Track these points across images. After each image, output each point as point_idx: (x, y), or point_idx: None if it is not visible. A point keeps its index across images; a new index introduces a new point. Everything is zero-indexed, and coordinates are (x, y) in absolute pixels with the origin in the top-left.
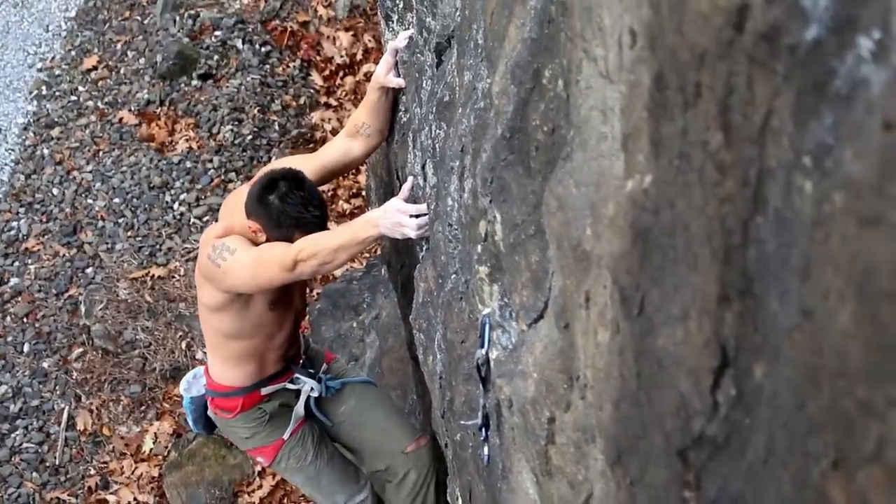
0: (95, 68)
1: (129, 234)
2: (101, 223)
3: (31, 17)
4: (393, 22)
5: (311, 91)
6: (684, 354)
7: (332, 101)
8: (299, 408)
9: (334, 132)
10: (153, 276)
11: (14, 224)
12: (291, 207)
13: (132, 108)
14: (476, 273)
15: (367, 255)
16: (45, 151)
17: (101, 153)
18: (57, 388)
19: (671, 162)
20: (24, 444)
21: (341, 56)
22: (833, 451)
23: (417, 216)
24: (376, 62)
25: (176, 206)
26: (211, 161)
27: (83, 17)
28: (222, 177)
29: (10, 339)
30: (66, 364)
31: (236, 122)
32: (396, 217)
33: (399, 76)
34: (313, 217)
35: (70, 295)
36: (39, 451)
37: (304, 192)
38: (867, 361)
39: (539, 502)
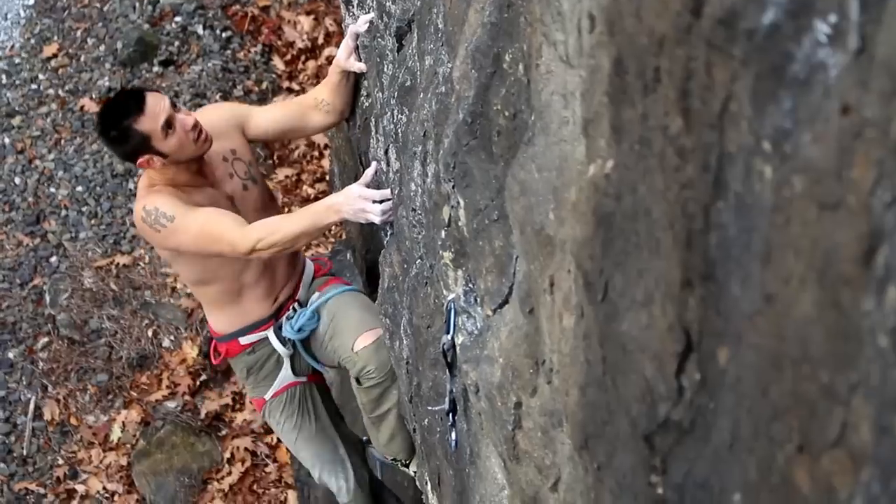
0: (55, 56)
1: (92, 222)
2: (64, 212)
3: None
4: (353, 6)
5: (273, 76)
6: (649, 339)
7: (295, 86)
8: (285, 371)
9: None
10: (118, 264)
11: None
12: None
13: (93, 96)
14: (441, 258)
15: (333, 239)
16: (7, 141)
17: (62, 141)
18: (23, 378)
19: (632, 147)
20: None
21: (303, 40)
22: (797, 436)
23: (381, 201)
24: (338, 45)
25: None
26: None
27: (42, 5)
28: None
29: None
30: (31, 354)
31: (199, 108)
32: (359, 203)
33: (360, 60)
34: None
35: (34, 285)
36: (6, 441)
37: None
38: (829, 347)
39: (507, 487)
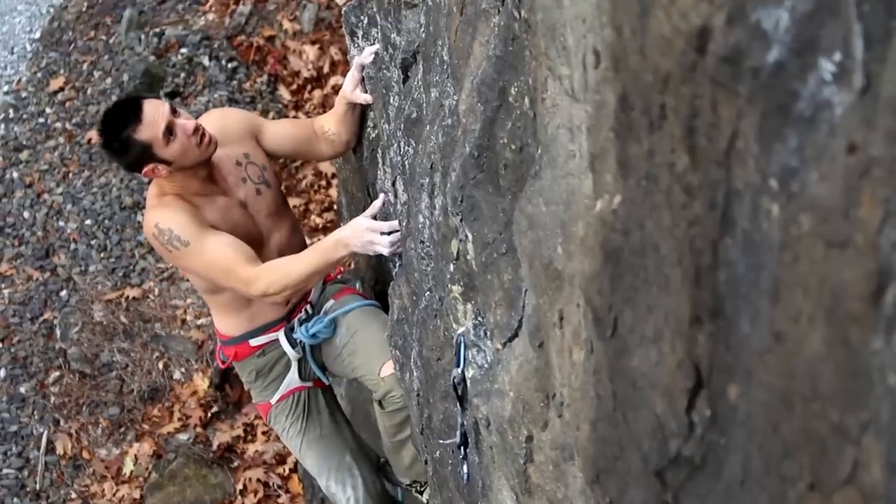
0: (62, 89)
1: (102, 255)
2: (73, 245)
3: None
4: (358, 38)
5: (280, 105)
6: (659, 375)
7: (301, 115)
8: (292, 375)
9: None
10: (128, 297)
11: None
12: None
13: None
14: (450, 292)
15: (342, 268)
16: (15, 175)
17: (71, 175)
18: (35, 412)
19: (639, 183)
20: (4, 470)
21: (308, 70)
22: (808, 474)
23: (389, 233)
24: (343, 74)
25: None
26: None
27: (48, 39)
28: None
29: None
30: (43, 388)
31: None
32: (367, 236)
33: (366, 91)
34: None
35: (45, 319)
36: (20, 476)
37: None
38: (839, 385)
39: None
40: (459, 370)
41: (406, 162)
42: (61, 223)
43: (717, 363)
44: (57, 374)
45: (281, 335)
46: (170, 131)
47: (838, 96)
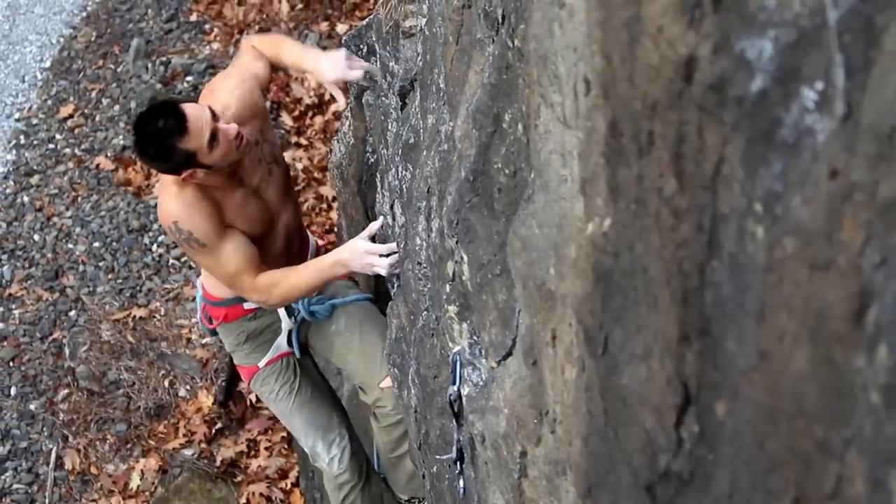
0: (72, 116)
1: (109, 276)
2: (82, 267)
3: (7, 69)
4: None
5: (282, 131)
6: (648, 392)
7: (303, 141)
8: (281, 340)
9: (306, 170)
10: (135, 316)
11: None
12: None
13: (108, 154)
14: (446, 312)
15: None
16: (26, 199)
17: (79, 199)
18: (44, 429)
19: (628, 206)
20: (14, 486)
21: (310, 97)
22: (794, 489)
23: (388, 255)
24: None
25: (154, 247)
26: None
27: (58, 67)
28: None
29: None
30: (52, 406)
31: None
32: (366, 258)
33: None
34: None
35: (54, 338)
36: (29, 491)
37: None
38: (823, 402)
39: None
40: (455, 387)
41: (404, 186)
42: (70, 245)
43: (705, 381)
44: (66, 391)
45: None
46: (214, 138)
47: (821, 123)
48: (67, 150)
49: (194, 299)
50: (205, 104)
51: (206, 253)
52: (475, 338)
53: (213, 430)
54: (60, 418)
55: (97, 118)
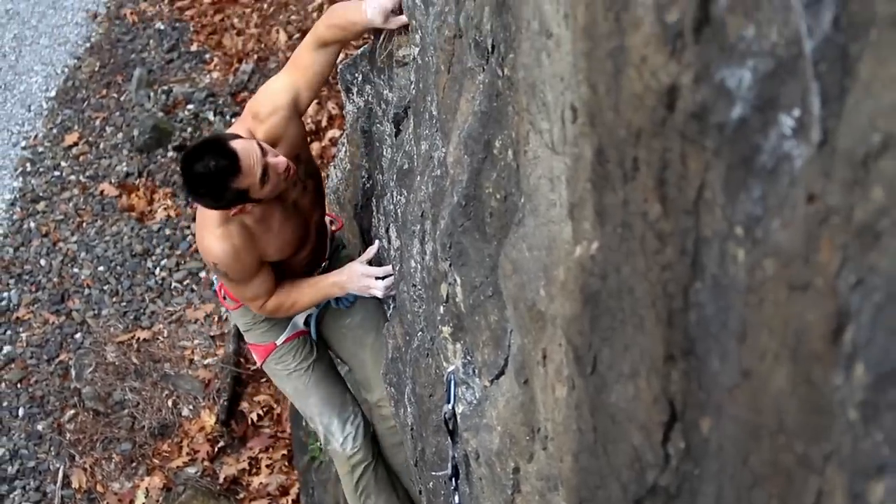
0: (76, 144)
1: (114, 299)
2: (87, 291)
3: (14, 99)
4: (353, 94)
5: None
6: (636, 410)
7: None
8: (298, 318)
9: None
10: (138, 338)
11: (5, 295)
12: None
13: (112, 181)
14: (440, 332)
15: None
16: (32, 225)
17: (84, 224)
18: (52, 448)
19: (615, 230)
20: None
21: (307, 123)
22: (777, 502)
23: (384, 277)
24: (340, 128)
25: (157, 271)
26: (189, 228)
27: (63, 97)
28: None
29: (5, 404)
30: (59, 426)
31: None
32: (363, 281)
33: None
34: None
35: (61, 360)
36: None
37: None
38: (803, 419)
39: None
40: (450, 406)
41: (399, 210)
42: (76, 270)
43: (690, 398)
44: (72, 412)
45: None
46: (265, 174)
47: (798, 150)
48: (72, 177)
49: (196, 321)
50: (252, 139)
51: (234, 284)
52: (469, 358)
53: (216, 449)
54: (67, 438)
55: (101, 146)
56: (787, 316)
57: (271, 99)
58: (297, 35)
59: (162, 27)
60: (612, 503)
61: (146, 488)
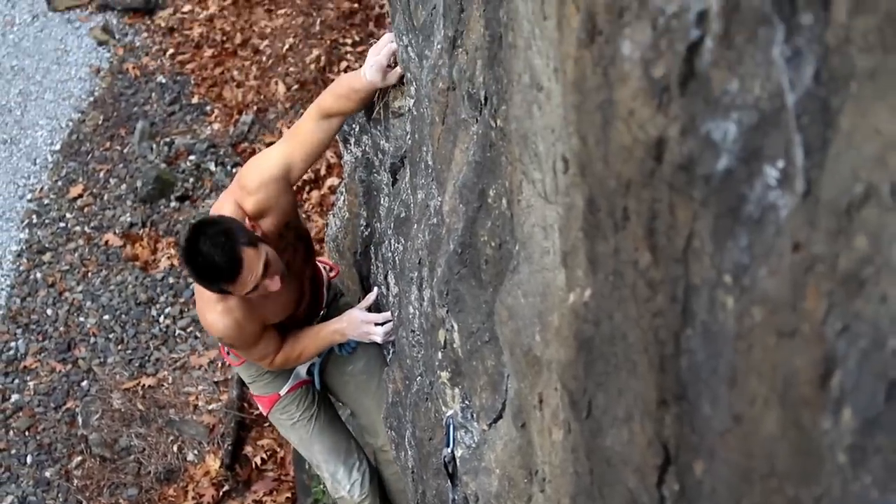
0: (81, 196)
1: (119, 347)
2: (93, 339)
3: (20, 153)
4: (351, 144)
5: None
6: (630, 453)
7: (301, 214)
8: (300, 368)
9: None
10: (144, 385)
11: (12, 344)
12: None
13: (116, 231)
14: (438, 377)
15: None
16: (38, 275)
17: (90, 274)
18: (59, 495)
19: (607, 278)
20: None
21: (306, 172)
22: None
23: (383, 323)
24: (339, 176)
25: (161, 319)
26: None
27: (67, 150)
28: None
29: (13, 451)
30: (66, 472)
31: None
32: (363, 327)
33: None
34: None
35: (67, 407)
36: None
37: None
38: (793, 462)
39: None
40: (449, 449)
41: (396, 257)
42: (82, 319)
43: (683, 442)
44: (79, 458)
45: None
46: (255, 289)
47: (783, 200)
48: (77, 228)
49: (200, 367)
50: (265, 249)
51: (240, 350)
52: (467, 402)
53: (221, 493)
54: (75, 484)
55: (105, 197)
56: (775, 362)
57: (260, 173)
58: (295, 86)
59: (163, 81)
60: None
61: None
